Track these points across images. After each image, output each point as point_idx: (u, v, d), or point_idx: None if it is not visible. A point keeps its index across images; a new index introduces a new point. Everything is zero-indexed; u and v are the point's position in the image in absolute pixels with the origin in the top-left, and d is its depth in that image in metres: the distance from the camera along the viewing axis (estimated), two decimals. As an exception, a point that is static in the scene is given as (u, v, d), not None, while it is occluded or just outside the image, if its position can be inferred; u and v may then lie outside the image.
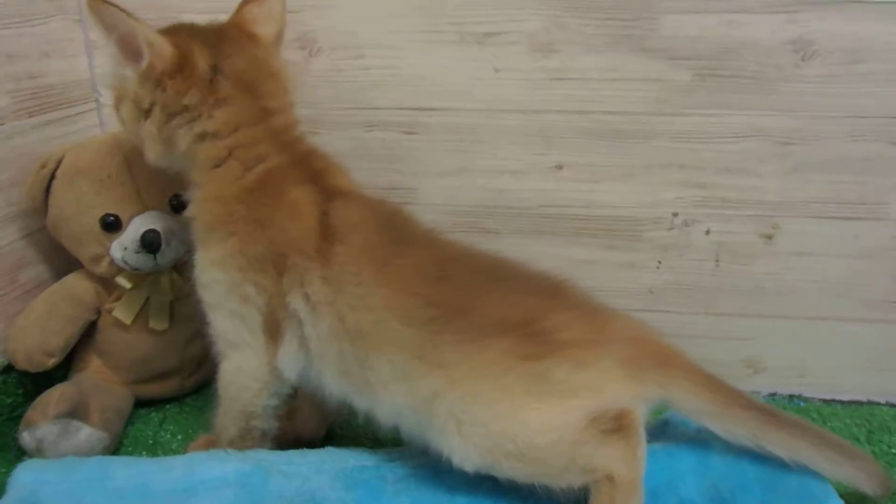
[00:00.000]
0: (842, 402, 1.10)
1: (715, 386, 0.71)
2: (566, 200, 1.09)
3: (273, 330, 0.76)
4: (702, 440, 0.86)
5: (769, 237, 1.07)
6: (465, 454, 0.68)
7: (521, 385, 0.67)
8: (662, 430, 0.93)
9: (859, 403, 1.10)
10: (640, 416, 0.70)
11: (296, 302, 0.74)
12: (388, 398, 0.71)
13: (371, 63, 1.06)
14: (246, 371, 0.79)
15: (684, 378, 0.71)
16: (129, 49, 0.74)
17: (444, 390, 0.68)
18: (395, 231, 0.76)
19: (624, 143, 1.05)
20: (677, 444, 0.87)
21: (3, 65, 0.95)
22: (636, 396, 0.70)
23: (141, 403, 1.08)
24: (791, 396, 1.13)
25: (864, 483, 0.72)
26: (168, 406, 1.10)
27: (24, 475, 0.78)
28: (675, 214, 1.08)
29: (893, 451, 1.00)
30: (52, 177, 0.96)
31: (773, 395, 1.13)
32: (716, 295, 1.10)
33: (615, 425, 0.68)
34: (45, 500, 0.75)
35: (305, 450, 0.85)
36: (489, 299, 0.70)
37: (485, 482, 0.75)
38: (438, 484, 0.79)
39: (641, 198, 1.07)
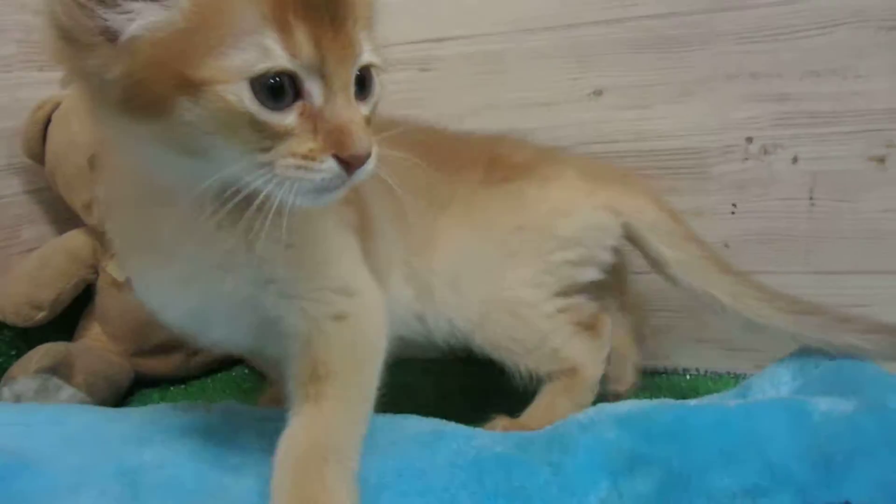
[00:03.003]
0: None
1: (677, 215, 0.75)
2: (611, 133, 0.90)
3: (365, 243, 0.63)
4: (796, 400, 0.65)
5: (881, 160, 0.81)
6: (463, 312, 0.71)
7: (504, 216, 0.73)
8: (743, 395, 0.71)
9: None
10: (610, 323, 0.76)
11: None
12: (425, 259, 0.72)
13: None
14: (376, 311, 0.61)
15: (647, 194, 0.75)
16: None
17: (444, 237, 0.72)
18: None
19: (676, 54, 0.85)
20: (758, 402, 0.66)
21: (14, 13, 0.93)
22: (605, 208, 0.73)
23: (143, 382, 0.98)
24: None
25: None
26: (171, 387, 0.99)
27: None
28: (750, 140, 0.85)
29: None
30: (48, 121, 0.92)
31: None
32: (816, 244, 0.85)
33: (589, 323, 0.74)
34: None
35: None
36: (458, 151, 0.77)
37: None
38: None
39: (704, 121, 0.86)
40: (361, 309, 0.59)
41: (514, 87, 0.92)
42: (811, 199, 0.84)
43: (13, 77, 0.94)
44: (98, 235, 0.95)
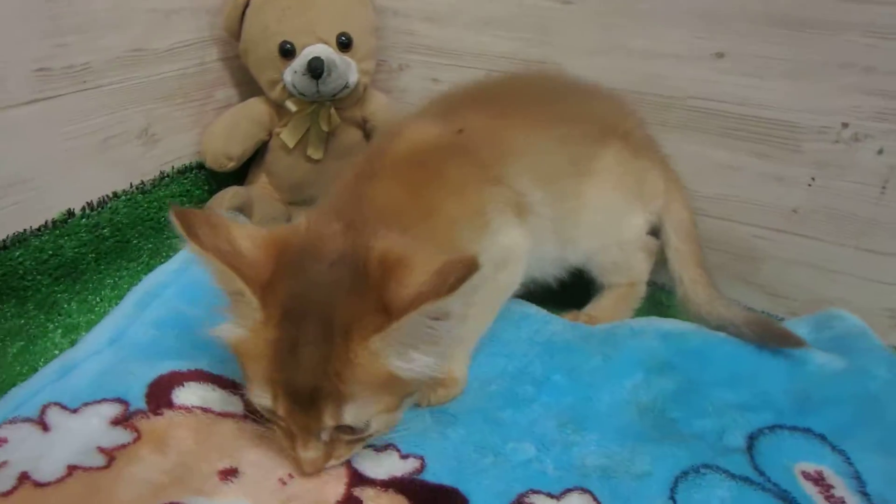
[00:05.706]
0: None
1: (692, 218, 0.98)
2: (721, 94, 0.99)
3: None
4: (803, 350, 0.81)
5: (960, 167, 0.89)
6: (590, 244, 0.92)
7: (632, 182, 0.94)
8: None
9: None
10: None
11: None
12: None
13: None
14: (524, 248, 0.82)
15: (684, 199, 0.99)
16: None
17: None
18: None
19: (802, 34, 0.90)
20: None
21: None
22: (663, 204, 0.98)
23: (294, 223, 1.24)
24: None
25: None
26: (314, 230, 1.24)
27: None
28: (845, 125, 0.93)
29: None
30: (247, 5, 1.09)
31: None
32: (872, 228, 0.94)
33: (651, 251, 0.98)
34: None
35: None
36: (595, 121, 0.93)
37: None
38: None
39: (809, 101, 0.93)
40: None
41: (644, 34, 1.00)
42: (883, 188, 0.94)
43: (218, -38, 1.09)
44: (276, 107, 1.16)
